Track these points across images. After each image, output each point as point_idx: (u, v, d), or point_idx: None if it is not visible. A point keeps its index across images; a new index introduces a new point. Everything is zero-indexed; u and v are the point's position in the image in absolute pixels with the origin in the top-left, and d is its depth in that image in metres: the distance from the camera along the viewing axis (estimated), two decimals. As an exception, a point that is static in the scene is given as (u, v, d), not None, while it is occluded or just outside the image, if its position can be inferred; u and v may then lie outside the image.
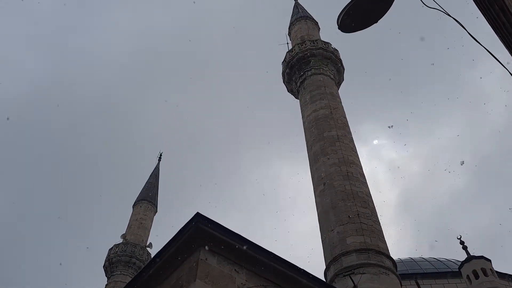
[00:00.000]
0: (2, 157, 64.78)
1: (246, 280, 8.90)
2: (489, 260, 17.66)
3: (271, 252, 9.37)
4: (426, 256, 26.81)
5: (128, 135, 75.69)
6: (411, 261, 25.11)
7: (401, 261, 23.44)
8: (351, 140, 17.34)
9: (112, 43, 78.73)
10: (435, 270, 23.32)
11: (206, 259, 8.62)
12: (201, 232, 8.67)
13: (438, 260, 25.84)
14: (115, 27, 78.93)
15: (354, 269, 11.86)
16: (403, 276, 16.78)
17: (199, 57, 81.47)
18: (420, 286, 20.86)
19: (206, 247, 8.62)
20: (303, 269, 9.63)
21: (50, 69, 74.65)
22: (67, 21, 76.14)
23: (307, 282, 9.58)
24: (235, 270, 8.89)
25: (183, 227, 8.84)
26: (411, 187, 68.96)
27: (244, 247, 8.97)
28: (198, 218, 8.73)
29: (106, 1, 79.71)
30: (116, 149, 75.90)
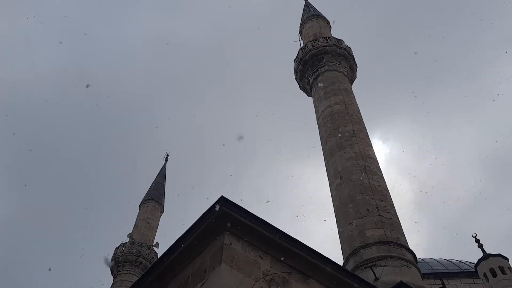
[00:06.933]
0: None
1: (270, 267, 8.68)
2: (507, 259, 17.36)
3: (295, 239, 9.15)
4: (437, 257, 26.53)
5: (134, 136, 75.70)
6: (422, 262, 24.80)
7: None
8: (367, 135, 17.18)
9: (133, 40, 79.34)
10: (447, 271, 23.02)
11: (231, 243, 8.40)
12: (226, 216, 8.45)
13: (449, 261, 25.54)
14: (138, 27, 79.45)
15: (375, 261, 11.64)
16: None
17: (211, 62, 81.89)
18: (433, 286, 20.55)
19: (230, 232, 8.44)
20: (327, 257, 9.40)
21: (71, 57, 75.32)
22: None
23: (331, 270, 9.36)
24: (259, 256, 8.67)
25: (207, 211, 8.63)
26: (423, 190, 68.37)
27: (269, 233, 8.77)
28: (223, 201, 8.52)
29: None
30: (122, 150, 75.83)
